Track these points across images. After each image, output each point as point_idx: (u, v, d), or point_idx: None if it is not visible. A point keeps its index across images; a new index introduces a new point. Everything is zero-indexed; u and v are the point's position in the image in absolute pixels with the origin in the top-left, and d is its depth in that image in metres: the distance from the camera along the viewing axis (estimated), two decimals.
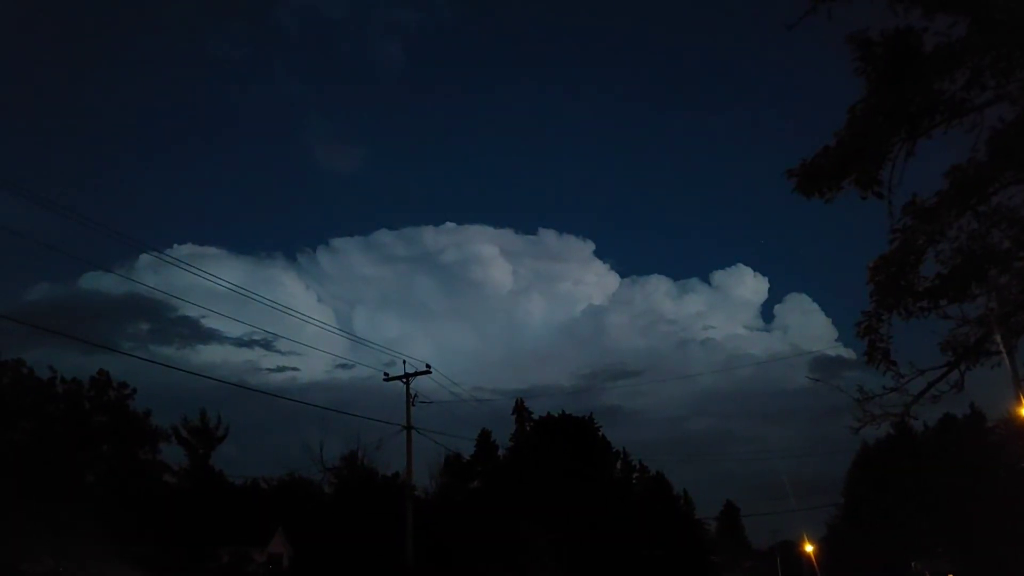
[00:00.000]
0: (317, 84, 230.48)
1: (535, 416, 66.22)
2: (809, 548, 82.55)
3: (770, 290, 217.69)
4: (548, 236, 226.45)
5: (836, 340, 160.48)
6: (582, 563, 51.20)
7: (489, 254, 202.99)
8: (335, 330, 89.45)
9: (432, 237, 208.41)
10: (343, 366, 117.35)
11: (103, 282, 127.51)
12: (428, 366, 37.48)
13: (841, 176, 11.94)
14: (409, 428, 36.67)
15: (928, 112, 11.46)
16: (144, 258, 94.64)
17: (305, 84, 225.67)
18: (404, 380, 37.02)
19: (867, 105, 11.53)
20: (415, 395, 36.97)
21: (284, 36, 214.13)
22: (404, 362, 37.37)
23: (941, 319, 13.44)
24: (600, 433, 65.44)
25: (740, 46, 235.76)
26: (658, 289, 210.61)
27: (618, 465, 77.60)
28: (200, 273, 51.87)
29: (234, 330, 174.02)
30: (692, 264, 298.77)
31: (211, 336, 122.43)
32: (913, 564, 53.53)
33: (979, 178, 11.70)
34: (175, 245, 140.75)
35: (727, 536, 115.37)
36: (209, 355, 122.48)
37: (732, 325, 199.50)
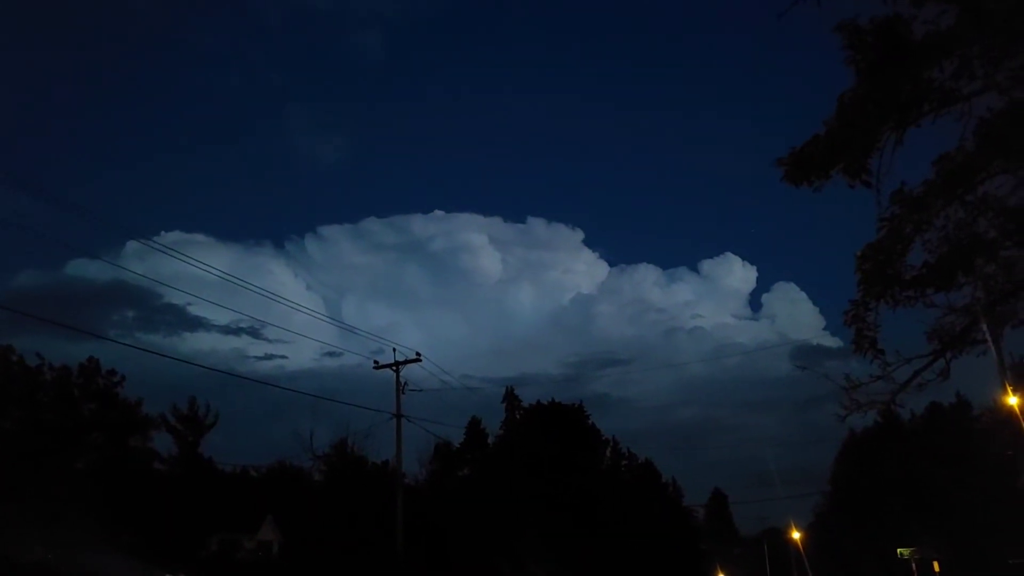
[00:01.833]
0: (300, 73, 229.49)
1: (525, 404, 66.41)
2: (796, 535, 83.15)
3: (758, 279, 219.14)
4: (537, 224, 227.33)
5: (823, 329, 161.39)
6: (572, 550, 51.42)
7: (478, 242, 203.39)
8: (324, 318, 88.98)
9: (421, 225, 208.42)
10: (332, 354, 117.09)
11: (89, 269, 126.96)
12: (418, 354, 37.41)
13: (830, 165, 11.99)
14: (399, 416, 36.64)
15: (917, 101, 11.49)
16: (131, 245, 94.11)
17: (288, 73, 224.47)
18: (394, 368, 36.94)
19: (856, 94, 11.56)
20: (405, 383, 36.94)
21: (266, 26, 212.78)
22: (394, 350, 37.31)
23: (928, 308, 13.57)
24: (589, 421, 65.52)
25: (729, 35, 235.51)
26: (647, 278, 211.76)
27: (607, 453, 77.87)
28: (188, 260, 51.47)
29: (221, 318, 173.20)
30: (681, 253, 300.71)
31: (198, 324, 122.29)
32: (899, 551, 53.93)
33: (967, 167, 11.76)
34: (162, 232, 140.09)
35: (715, 523, 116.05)
36: (196, 343, 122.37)
37: (720, 314, 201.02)
